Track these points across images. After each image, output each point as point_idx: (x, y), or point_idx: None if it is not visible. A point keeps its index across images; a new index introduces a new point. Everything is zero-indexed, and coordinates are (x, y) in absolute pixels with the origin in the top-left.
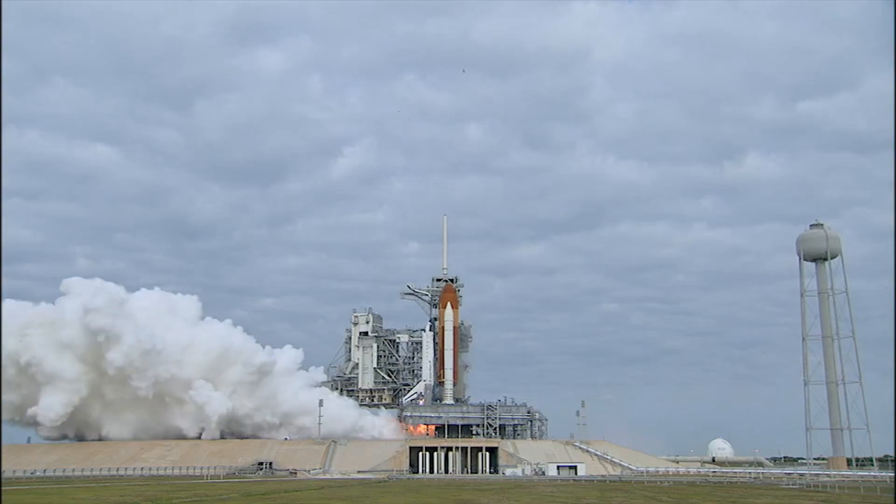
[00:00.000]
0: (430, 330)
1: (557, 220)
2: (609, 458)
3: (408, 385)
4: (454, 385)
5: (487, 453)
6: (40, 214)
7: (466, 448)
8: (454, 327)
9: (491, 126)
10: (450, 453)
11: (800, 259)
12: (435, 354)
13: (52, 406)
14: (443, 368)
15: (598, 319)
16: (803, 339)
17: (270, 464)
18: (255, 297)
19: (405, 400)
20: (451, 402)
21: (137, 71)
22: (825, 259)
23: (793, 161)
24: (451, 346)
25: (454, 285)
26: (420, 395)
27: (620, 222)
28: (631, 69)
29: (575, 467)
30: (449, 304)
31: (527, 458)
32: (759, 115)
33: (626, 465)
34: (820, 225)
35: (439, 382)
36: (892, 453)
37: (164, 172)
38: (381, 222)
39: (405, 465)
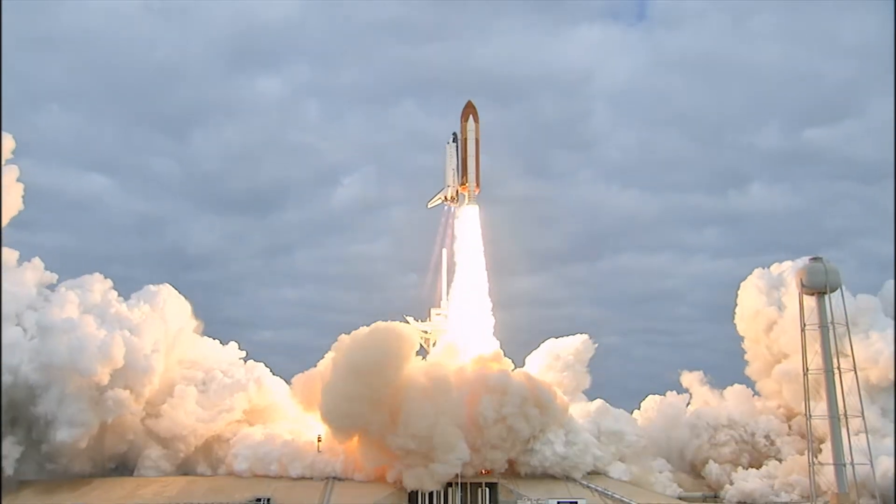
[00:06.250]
0: (454, 142)
1: (559, 250)
2: (610, 493)
3: None
4: (476, 189)
5: (487, 489)
6: (33, 245)
7: (466, 484)
8: (476, 138)
9: (490, 154)
10: (449, 489)
11: (799, 292)
12: (458, 163)
13: None
14: (466, 174)
15: (599, 352)
16: (804, 373)
17: (269, 500)
18: (254, 330)
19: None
20: (474, 205)
21: (132, 97)
22: (824, 292)
23: (797, 190)
24: (474, 154)
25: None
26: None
27: (622, 253)
28: (633, 95)
29: (576, 503)
30: (471, 116)
31: (526, 493)
32: (763, 142)
33: (626, 500)
34: (819, 258)
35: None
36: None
37: (159, 202)
38: (380, 253)
39: (405, 502)
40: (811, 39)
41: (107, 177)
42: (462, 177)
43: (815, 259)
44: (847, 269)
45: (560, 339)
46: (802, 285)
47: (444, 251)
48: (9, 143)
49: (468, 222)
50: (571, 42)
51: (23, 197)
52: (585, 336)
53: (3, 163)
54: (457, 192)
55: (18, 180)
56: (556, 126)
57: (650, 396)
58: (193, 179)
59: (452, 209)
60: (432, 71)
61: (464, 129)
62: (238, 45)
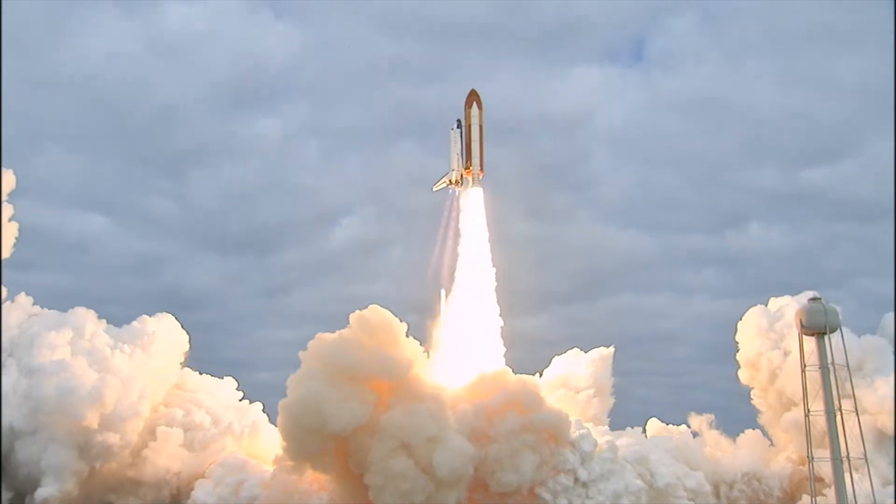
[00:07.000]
0: (458, 128)
1: (557, 290)
2: None
3: None
4: (480, 173)
5: None
6: (30, 285)
7: None
8: (479, 124)
9: (489, 194)
10: None
11: (799, 333)
12: (462, 147)
13: None
14: (470, 159)
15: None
16: (805, 414)
17: None
18: (252, 371)
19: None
20: (478, 187)
21: (132, 138)
22: (824, 333)
23: (796, 230)
24: (478, 139)
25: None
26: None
27: (621, 293)
28: (631, 136)
29: None
30: (474, 103)
31: None
32: (761, 183)
33: None
34: (818, 299)
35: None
36: None
37: (158, 242)
38: (378, 294)
39: None
40: (808, 79)
41: (105, 217)
42: (466, 161)
43: (814, 299)
44: (847, 309)
45: (579, 353)
46: (802, 326)
47: (443, 292)
48: (9, 179)
49: (472, 204)
50: (569, 83)
51: (17, 237)
52: (609, 349)
53: (3, 200)
54: (461, 175)
55: (15, 220)
56: (554, 166)
57: (652, 419)
58: (192, 219)
59: (457, 192)
60: (431, 112)
61: (468, 116)
62: (238, 85)
